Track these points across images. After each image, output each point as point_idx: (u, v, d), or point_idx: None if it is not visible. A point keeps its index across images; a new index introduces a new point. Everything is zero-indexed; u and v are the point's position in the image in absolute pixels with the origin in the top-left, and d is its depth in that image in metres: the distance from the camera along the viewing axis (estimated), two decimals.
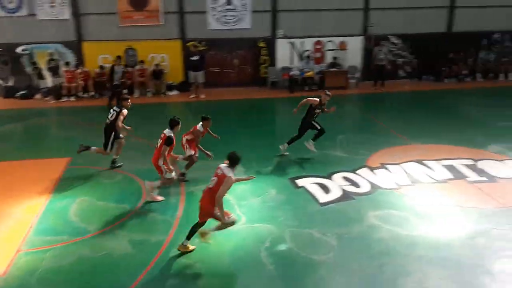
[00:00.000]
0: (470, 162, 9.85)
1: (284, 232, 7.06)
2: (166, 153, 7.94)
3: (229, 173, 6.20)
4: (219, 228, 6.50)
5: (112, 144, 9.73)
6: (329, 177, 9.18)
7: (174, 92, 17.41)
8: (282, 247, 6.70)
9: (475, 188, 8.69)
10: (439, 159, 9.99)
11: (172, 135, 7.94)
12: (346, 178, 9.13)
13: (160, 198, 8.24)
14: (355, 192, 8.52)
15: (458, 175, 9.24)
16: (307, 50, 17.84)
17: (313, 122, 10.33)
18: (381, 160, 10.07)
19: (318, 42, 17.83)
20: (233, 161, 6.31)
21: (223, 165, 6.33)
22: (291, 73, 17.40)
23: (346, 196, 8.37)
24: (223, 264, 6.35)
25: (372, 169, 9.59)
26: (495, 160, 9.97)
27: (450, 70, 18.14)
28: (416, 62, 18.55)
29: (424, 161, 9.92)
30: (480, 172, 9.36)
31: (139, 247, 6.75)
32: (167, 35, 17.35)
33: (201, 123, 8.68)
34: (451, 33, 18.34)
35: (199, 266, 6.29)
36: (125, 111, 9.46)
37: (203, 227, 6.59)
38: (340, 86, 17.05)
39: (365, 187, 8.72)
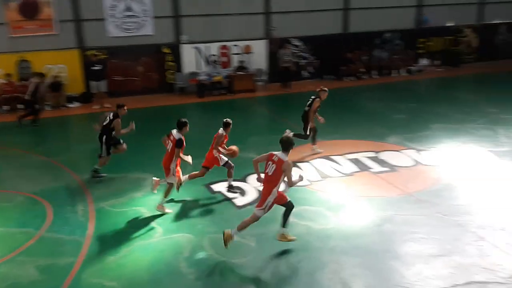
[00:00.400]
0: (372, 154, 10.50)
1: (203, 239, 6.99)
2: (176, 155, 7.76)
3: (285, 157, 6.34)
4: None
5: (108, 149, 9.31)
6: (244, 179, 9.26)
7: (75, 104, 16.49)
8: (202, 254, 6.63)
9: (378, 178, 9.28)
10: (345, 154, 10.54)
11: (182, 137, 7.70)
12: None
13: (168, 210, 7.96)
14: None
15: (362, 167, 9.81)
16: (213, 55, 17.89)
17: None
18: (291, 158, 10.31)
19: (223, 47, 17.94)
20: (287, 146, 6.41)
21: (278, 152, 6.40)
22: (199, 78, 17.32)
23: None
24: (141, 280, 6.12)
25: None
26: (394, 151, 10.73)
27: (348, 69, 19.19)
28: (318, 62, 19.37)
29: (331, 157, 10.40)
30: (382, 163, 10.02)
31: (48, 272, 6.29)
32: (64, 44, 16.39)
33: (221, 128, 8.47)
34: (347, 33, 19.45)
35: (115, 286, 6.00)
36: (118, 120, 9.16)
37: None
38: (249, 89, 17.31)
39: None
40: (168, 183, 7.94)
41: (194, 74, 17.66)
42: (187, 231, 7.24)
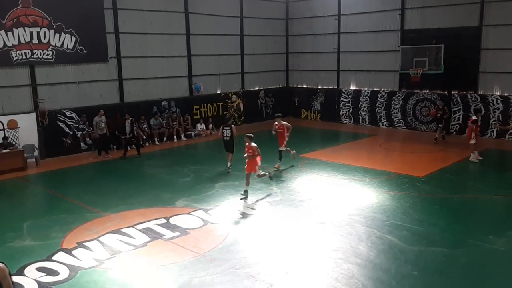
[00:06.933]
0: (163, 220, 10.44)
1: None
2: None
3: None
4: None
5: None
6: (20, 272, 8.03)
7: None
8: None
9: (172, 244, 9.22)
10: (135, 224, 10.19)
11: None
12: (41, 269, 8.19)
13: None
14: (53, 281, 7.73)
15: (154, 235, 9.63)
16: None
17: None
18: (77, 238, 9.51)
19: None
20: None
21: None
22: None
23: None
24: None
25: (68, 251, 8.93)
26: (184, 214, 10.90)
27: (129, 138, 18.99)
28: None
29: (121, 230, 9.92)
30: (173, 228, 10.03)
31: None
32: None
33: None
34: (124, 103, 19.42)
35: None
36: None
37: None
38: (18, 167, 15.42)
39: (63, 273, 8.01)
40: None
41: None
42: None
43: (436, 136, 18.80)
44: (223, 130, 14.83)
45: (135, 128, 17.80)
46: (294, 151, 15.24)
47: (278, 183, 13.27)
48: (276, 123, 15.11)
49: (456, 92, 20.42)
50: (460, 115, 20.36)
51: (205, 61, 22.41)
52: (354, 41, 23.50)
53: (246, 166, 12.25)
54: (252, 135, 12.50)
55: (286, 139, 14.88)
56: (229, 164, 14.75)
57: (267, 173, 12.91)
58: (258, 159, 12.18)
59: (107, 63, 18.76)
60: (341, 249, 8.77)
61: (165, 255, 8.73)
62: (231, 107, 23.93)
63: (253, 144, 12.22)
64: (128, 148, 17.48)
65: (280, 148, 15.04)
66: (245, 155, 12.25)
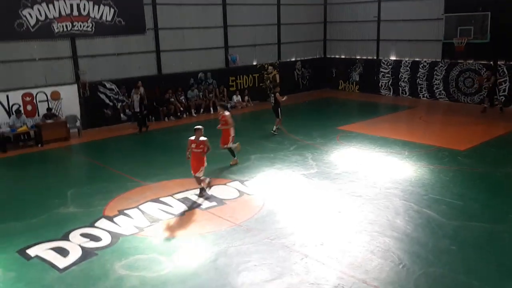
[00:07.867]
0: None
1: None
2: None
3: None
4: None
5: None
6: (65, 238, 8.43)
7: None
8: None
9: (208, 214, 9.41)
10: (173, 194, 10.44)
11: None
12: (84, 235, 8.55)
13: None
14: (97, 247, 8.05)
15: (192, 205, 9.84)
16: (15, 104, 16.08)
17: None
18: (118, 206, 9.84)
19: (27, 94, 16.31)
20: None
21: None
22: (0, 131, 15.35)
23: (87, 253, 7.81)
24: None
25: (110, 218, 9.27)
26: (220, 184, 11.05)
27: (168, 109, 19.32)
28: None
29: (160, 199, 10.19)
30: (210, 198, 10.21)
31: None
32: None
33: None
34: (162, 75, 19.66)
35: None
36: None
37: None
38: (61, 137, 15.98)
39: (106, 239, 8.34)
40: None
41: None
42: None
43: (501, 106, 18.83)
44: (270, 98, 16.42)
45: (174, 98, 17.86)
46: (237, 143, 12.92)
47: (314, 156, 13.19)
48: (221, 113, 12.68)
49: (503, 63, 19.46)
50: (506, 86, 19.46)
51: (241, 31, 22.21)
52: (395, 9, 22.63)
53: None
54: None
55: (232, 134, 12.57)
56: (274, 127, 16.01)
57: (208, 181, 10.72)
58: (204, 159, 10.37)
59: (145, 34, 18.91)
60: (377, 222, 8.70)
61: (202, 224, 8.93)
62: (267, 79, 23.73)
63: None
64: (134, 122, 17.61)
65: (227, 146, 12.61)
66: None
